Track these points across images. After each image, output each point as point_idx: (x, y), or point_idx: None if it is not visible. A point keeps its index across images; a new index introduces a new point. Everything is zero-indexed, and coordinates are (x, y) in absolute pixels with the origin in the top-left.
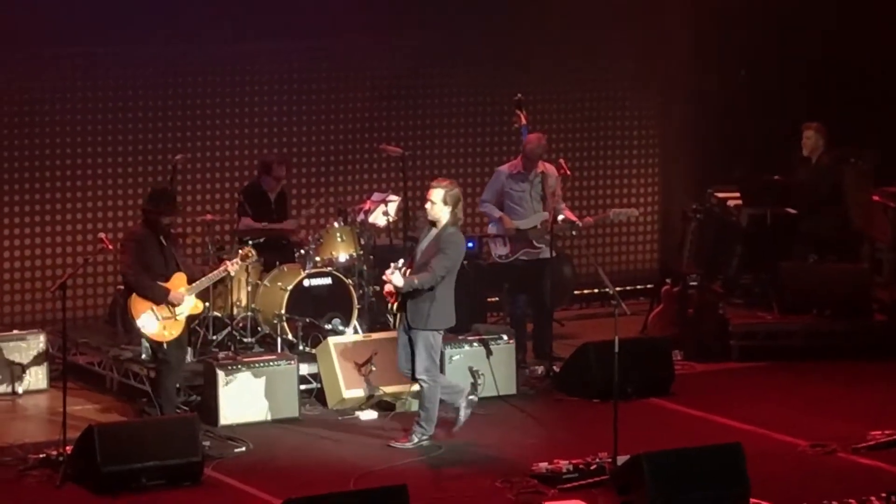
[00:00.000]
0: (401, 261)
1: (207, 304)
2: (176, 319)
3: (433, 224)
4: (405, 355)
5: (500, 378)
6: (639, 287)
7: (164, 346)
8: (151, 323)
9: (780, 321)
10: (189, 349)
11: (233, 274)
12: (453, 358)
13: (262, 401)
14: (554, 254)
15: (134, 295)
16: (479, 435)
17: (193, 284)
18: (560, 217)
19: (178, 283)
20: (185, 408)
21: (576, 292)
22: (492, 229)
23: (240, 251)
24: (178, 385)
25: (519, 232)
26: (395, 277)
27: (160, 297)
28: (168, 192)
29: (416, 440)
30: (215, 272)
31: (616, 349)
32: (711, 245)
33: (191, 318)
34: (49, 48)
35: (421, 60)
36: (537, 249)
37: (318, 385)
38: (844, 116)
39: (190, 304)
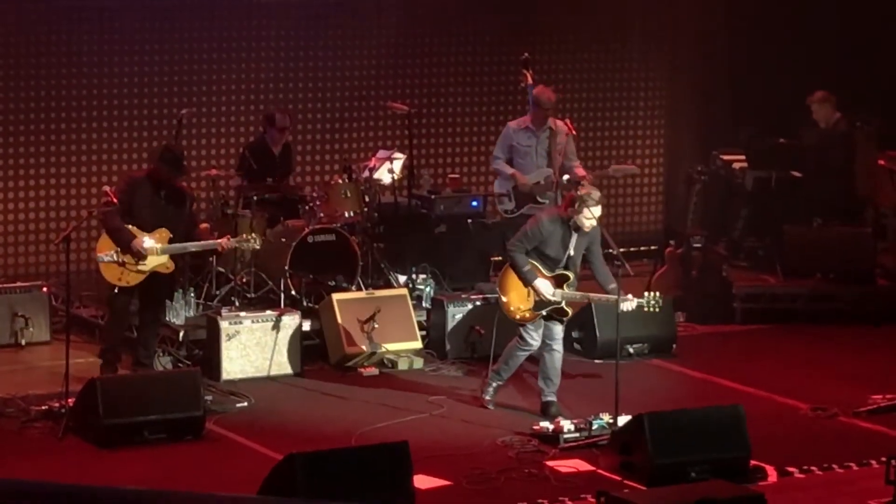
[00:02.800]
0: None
1: (215, 257)
2: (138, 269)
3: (575, 228)
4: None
5: (502, 337)
6: (643, 248)
7: (116, 290)
8: (111, 262)
9: (784, 284)
10: (190, 303)
11: (222, 251)
12: (456, 317)
13: (265, 356)
14: None
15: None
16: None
17: (171, 245)
18: (565, 176)
19: (156, 237)
20: (188, 362)
21: None
22: (497, 187)
23: (243, 234)
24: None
25: (525, 188)
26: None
27: (122, 242)
28: (173, 151)
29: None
30: (204, 242)
31: (618, 310)
32: (716, 207)
33: (156, 275)
34: (48, 2)
35: (428, 18)
36: (540, 205)
37: (321, 341)
38: (849, 80)
39: (158, 260)
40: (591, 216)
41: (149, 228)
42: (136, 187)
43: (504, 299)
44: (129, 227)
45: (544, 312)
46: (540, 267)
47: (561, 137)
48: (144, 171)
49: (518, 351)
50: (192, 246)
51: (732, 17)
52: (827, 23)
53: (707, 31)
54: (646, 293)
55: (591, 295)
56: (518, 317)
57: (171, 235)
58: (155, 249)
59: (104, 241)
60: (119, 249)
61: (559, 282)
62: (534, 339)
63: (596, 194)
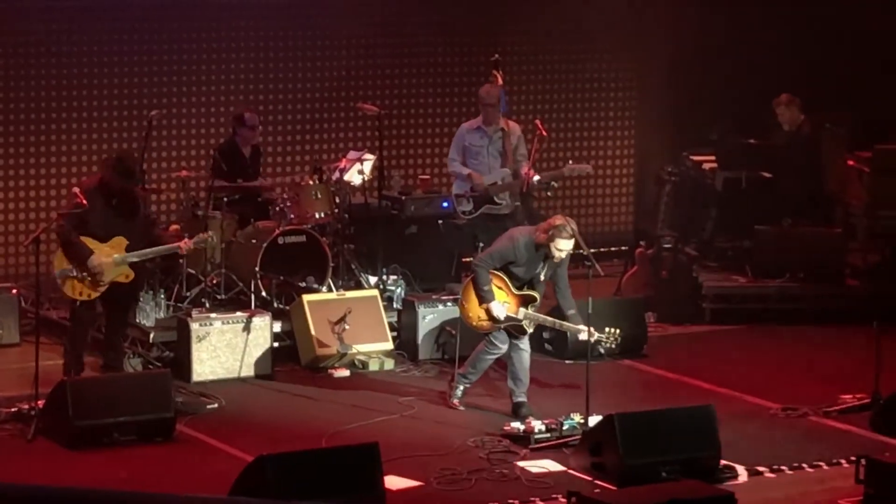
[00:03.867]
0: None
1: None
2: (97, 282)
3: (544, 257)
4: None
5: (472, 338)
6: (613, 249)
7: (77, 303)
8: (69, 278)
9: (754, 284)
10: (161, 304)
11: (183, 253)
12: (427, 317)
13: (236, 357)
14: (515, 206)
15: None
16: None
17: (129, 253)
18: (536, 178)
19: (113, 247)
20: (158, 363)
21: None
22: (456, 188)
23: (201, 234)
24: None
25: (481, 188)
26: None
27: (78, 257)
28: (126, 163)
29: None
30: (164, 247)
31: (589, 310)
32: (686, 208)
33: (117, 285)
34: (21, 1)
35: (398, 19)
36: (497, 205)
37: (292, 342)
38: (818, 81)
39: (116, 271)
40: (562, 248)
41: (104, 238)
42: (89, 197)
43: (465, 306)
44: (85, 238)
45: (502, 326)
46: (506, 280)
47: (513, 138)
48: (95, 179)
49: (486, 355)
50: (151, 252)
51: (702, 19)
52: (796, 24)
53: (677, 32)
54: (607, 329)
55: (558, 322)
56: (475, 324)
57: (128, 243)
58: (112, 262)
59: (60, 257)
60: (74, 264)
61: (525, 302)
62: (502, 342)
63: (571, 227)
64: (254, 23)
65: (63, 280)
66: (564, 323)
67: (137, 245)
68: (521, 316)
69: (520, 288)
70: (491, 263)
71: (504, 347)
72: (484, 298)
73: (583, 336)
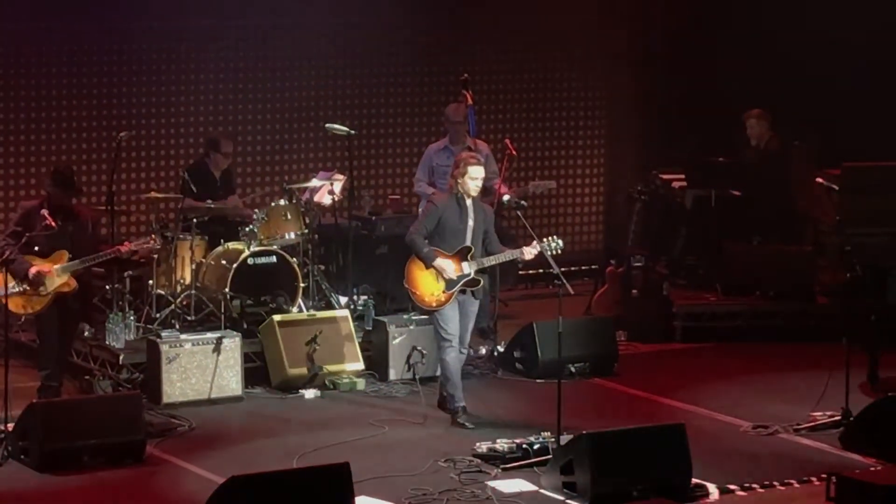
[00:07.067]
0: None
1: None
2: (39, 294)
3: (460, 199)
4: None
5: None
6: (583, 267)
7: (23, 318)
8: (11, 294)
9: (724, 302)
10: (130, 326)
11: (124, 254)
12: (397, 338)
13: (206, 379)
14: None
15: None
16: (422, 414)
17: (69, 263)
18: (506, 197)
19: (54, 260)
20: (128, 385)
21: (520, 272)
22: (421, 209)
23: (143, 239)
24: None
25: None
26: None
27: (18, 272)
28: (63, 174)
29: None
30: (102, 254)
31: (560, 329)
32: (656, 226)
33: (62, 295)
34: None
35: (366, 40)
36: None
37: (262, 363)
38: (787, 99)
39: (58, 281)
40: (476, 176)
41: (47, 254)
42: (32, 215)
43: (416, 293)
44: (28, 256)
45: (458, 289)
46: (443, 251)
47: (481, 157)
48: (38, 198)
49: (443, 354)
50: (91, 259)
51: (671, 37)
52: (766, 43)
53: (647, 50)
54: (545, 238)
55: (497, 256)
56: (434, 304)
57: (71, 256)
58: (53, 272)
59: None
60: (17, 280)
61: (463, 255)
62: (449, 331)
63: (475, 157)
64: (224, 43)
65: (7, 297)
66: (505, 252)
67: (81, 257)
68: (466, 269)
69: (455, 249)
70: (423, 229)
71: (453, 334)
72: (428, 259)
73: (529, 252)
